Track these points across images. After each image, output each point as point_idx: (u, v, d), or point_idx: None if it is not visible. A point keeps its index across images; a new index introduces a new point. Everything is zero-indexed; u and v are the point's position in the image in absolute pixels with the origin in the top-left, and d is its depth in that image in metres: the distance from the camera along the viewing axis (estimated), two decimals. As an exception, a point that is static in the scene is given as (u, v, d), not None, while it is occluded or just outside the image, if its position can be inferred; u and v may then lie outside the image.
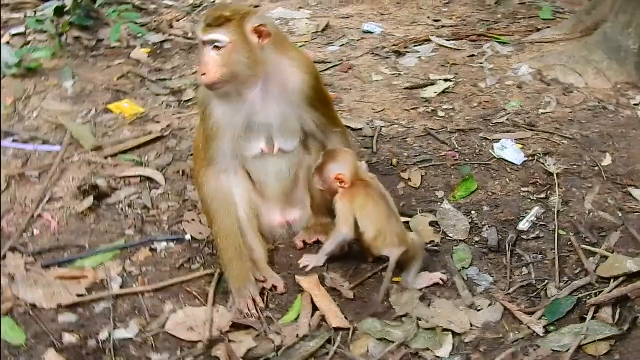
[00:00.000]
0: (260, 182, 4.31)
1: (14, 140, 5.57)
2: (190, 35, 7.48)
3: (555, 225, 4.47)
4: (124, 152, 5.42)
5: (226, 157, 4.15)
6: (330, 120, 4.32)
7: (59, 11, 7.22)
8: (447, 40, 7.14)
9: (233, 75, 3.91)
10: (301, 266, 4.23)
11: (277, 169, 4.27)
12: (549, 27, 7.26)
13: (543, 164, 5.07)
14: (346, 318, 3.85)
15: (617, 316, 3.78)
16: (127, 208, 4.81)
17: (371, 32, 7.50)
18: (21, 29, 7.51)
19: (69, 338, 3.79)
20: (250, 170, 4.28)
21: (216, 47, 3.86)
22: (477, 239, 4.45)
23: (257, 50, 3.92)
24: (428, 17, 7.81)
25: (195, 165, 4.38)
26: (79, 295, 4.03)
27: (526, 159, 5.15)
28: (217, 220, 4.16)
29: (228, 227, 4.14)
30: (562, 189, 4.81)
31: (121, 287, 4.13)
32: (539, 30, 7.26)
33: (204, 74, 3.89)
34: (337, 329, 3.78)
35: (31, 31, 7.39)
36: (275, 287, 4.09)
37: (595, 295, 3.92)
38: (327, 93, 4.44)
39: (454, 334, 3.75)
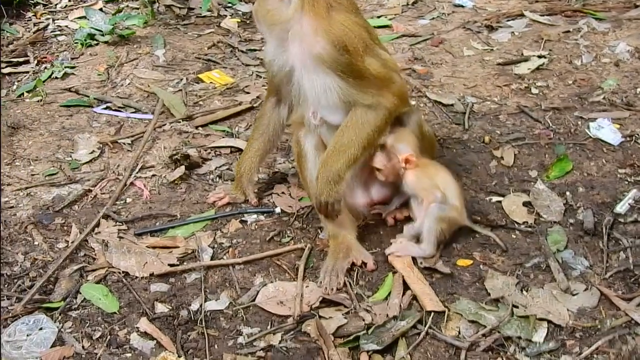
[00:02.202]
0: None
1: (107, 107, 5.64)
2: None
3: (654, 209, 4.36)
4: (214, 122, 5.45)
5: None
6: (366, 95, 3.97)
7: (152, -22, 7.29)
8: (540, 15, 6.96)
9: (259, 13, 4.05)
10: (396, 253, 4.11)
11: None
12: (648, 4, 7.05)
13: (641, 145, 4.94)
14: (438, 297, 3.80)
15: None
16: (217, 179, 4.83)
17: (462, 6, 7.37)
18: (114, -4, 7.62)
19: (161, 307, 3.83)
20: (324, 140, 4.23)
21: None
22: (571, 220, 4.33)
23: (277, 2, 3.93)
24: (521, -9, 7.64)
25: None
26: (170, 265, 4.07)
27: (623, 139, 5.01)
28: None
29: None
30: (661, 171, 4.68)
31: (212, 258, 4.15)
32: (637, 6, 7.03)
33: None
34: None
35: (124, -2, 7.49)
36: (365, 263, 4.06)
37: (697, 283, 3.80)
38: (363, 66, 3.96)
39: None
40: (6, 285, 3.96)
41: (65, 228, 4.41)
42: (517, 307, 3.72)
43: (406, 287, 3.87)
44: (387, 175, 4.12)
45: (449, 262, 4.03)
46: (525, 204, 4.46)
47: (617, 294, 3.79)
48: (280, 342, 3.62)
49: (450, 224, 4.07)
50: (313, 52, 3.88)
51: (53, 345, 3.63)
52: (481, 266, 4.00)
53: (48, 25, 7.11)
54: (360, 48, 3.94)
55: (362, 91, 3.96)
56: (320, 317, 3.73)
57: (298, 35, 3.91)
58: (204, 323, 3.72)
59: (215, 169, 4.91)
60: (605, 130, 5.06)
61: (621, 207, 4.37)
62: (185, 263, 4.12)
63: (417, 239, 4.09)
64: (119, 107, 5.65)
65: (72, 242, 4.23)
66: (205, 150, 5.08)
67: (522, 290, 3.83)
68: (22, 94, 5.86)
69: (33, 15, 7.32)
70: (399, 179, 4.14)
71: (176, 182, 4.77)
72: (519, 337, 3.57)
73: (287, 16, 3.89)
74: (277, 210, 4.51)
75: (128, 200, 4.65)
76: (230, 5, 7.37)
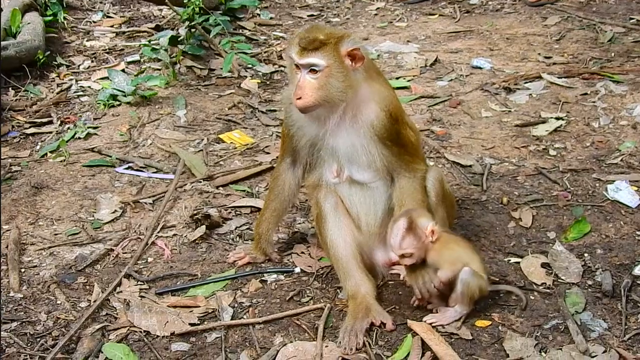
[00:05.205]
0: (353, 215, 4.32)
1: (128, 167, 5.72)
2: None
3: (673, 272, 4.35)
4: (235, 182, 5.51)
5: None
6: (403, 163, 4.17)
7: (173, 40, 7.43)
8: (558, 77, 7.03)
9: (327, 98, 3.94)
10: (430, 322, 4.07)
11: (361, 200, 4.27)
12: (665, 66, 7.11)
13: (659, 207, 4.95)
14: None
15: None
16: (237, 238, 4.88)
17: (480, 68, 7.45)
18: (136, 57, 7.75)
19: (181, 367, 3.86)
20: (342, 198, 4.29)
21: (312, 70, 3.91)
22: (590, 282, 4.34)
23: (350, 74, 3.95)
24: (538, 54, 7.71)
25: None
26: (191, 324, 4.09)
27: (641, 202, 5.04)
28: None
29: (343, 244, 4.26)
30: (680, 234, 4.69)
31: (232, 317, 4.17)
32: (654, 69, 7.11)
33: (299, 98, 3.93)
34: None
35: (146, 59, 7.60)
36: (384, 324, 4.06)
37: None
38: (407, 134, 4.20)
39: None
40: (29, 344, 4.00)
41: (88, 287, 4.45)
42: (536, 369, 3.73)
43: (425, 348, 3.87)
44: (418, 257, 4.07)
45: (467, 323, 4.03)
46: (543, 265, 4.47)
47: (635, 356, 3.77)
48: (299, 403, 3.64)
49: (481, 291, 4.07)
50: (365, 120, 4.00)
51: (74, 404, 3.66)
52: (500, 327, 4.00)
53: (71, 86, 7.22)
54: (404, 115, 4.11)
55: (400, 158, 4.13)
56: (339, 377, 3.75)
57: (354, 104, 4.02)
58: (224, 383, 3.75)
59: (236, 228, 4.96)
60: (623, 192, 5.08)
61: (639, 270, 4.37)
62: (205, 322, 4.13)
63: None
64: (141, 167, 5.73)
65: (94, 302, 4.27)
66: (226, 210, 5.14)
67: (540, 352, 3.83)
68: (46, 154, 5.95)
69: (56, 76, 7.44)
70: (425, 255, 4.11)
71: (197, 241, 4.82)
72: (539, 400, 3.58)
73: (352, 88, 3.97)
74: (297, 270, 4.55)
75: (149, 259, 4.70)
76: (250, 66, 7.48)
